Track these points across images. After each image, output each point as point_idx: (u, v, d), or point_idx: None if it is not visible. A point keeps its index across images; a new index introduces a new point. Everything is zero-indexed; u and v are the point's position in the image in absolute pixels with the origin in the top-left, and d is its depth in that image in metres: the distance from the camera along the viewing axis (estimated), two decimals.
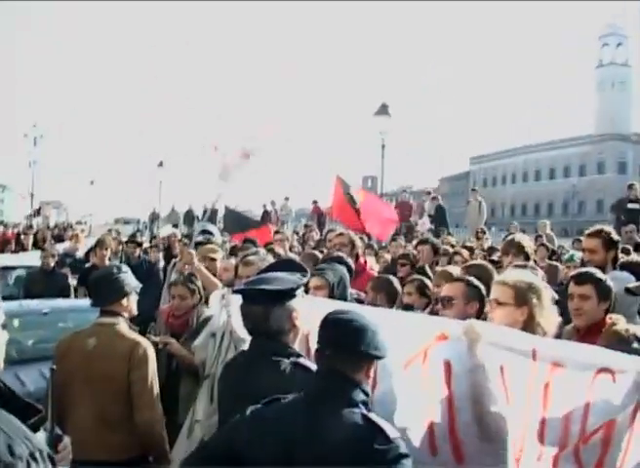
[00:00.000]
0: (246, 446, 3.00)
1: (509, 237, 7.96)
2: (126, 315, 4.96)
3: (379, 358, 3.08)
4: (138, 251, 13.72)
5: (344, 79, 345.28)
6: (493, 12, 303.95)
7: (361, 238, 13.43)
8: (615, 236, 6.64)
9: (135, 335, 4.88)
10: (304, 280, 3.88)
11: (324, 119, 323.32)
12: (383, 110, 25.09)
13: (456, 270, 5.98)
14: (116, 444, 4.64)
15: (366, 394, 3.04)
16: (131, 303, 5.00)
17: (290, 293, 3.66)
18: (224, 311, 4.89)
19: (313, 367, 3.32)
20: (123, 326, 4.87)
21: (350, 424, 2.89)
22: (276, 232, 11.42)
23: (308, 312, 3.79)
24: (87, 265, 11.99)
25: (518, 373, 3.53)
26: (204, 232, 11.93)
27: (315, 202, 30.53)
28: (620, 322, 4.85)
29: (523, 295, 4.20)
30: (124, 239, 18.02)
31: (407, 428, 3.73)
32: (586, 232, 6.84)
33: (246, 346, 4.00)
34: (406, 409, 3.77)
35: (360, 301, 5.84)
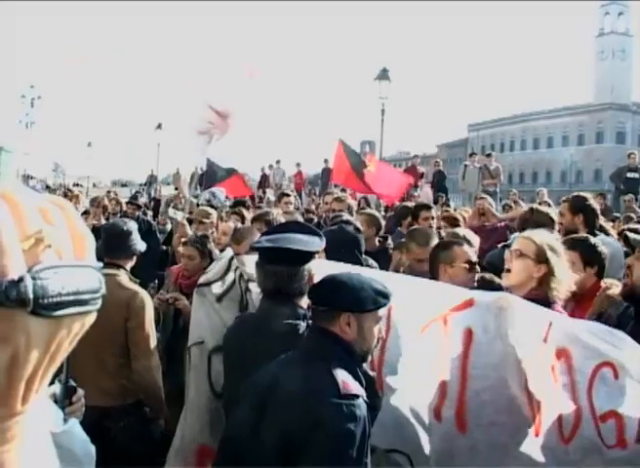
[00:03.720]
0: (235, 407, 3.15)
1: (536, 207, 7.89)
2: (128, 268, 5.15)
3: (356, 311, 3.07)
4: (137, 212, 13.77)
5: (345, 43, 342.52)
6: None
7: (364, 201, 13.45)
8: (584, 202, 6.76)
9: (133, 286, 5.02)
10: (323, 244, 3.83)
11: (324, 84, 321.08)
12: (384, 75, 24.97)
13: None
14: (113, 390, 4.81)
15: (348, 350, 3.06)
16: (131, 261, 5.22)
17: (312, 256, 3.66)
18: (235, 272, 4.84)
19: None
20: (124, 277, 5.03)
21: (310, 376, 2.92)
22: (284, 194, 11.41)
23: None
24: None
25: (530, 351, 3.58)
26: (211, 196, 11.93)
27: (298, 165, 30.41)
28: (613, 287, 4.93)
29: (544, 253, 4.22)
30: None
31: (413, 392, 3.76)
32: (563, 199, 7.19)
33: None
34: (416, 373, 3.76)
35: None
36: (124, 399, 4.86)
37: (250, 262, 4.54)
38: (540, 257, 4.22)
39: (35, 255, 0.76)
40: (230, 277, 4.67)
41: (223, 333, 4.34)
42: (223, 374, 4.03)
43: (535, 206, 7.57)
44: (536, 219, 6.60)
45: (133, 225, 5.33)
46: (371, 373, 3.39)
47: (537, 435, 3.56)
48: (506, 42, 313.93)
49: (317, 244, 3.73)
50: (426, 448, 3.71)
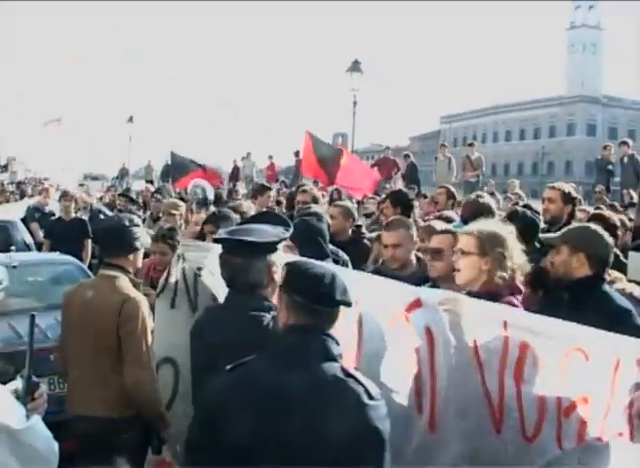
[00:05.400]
0: (225, 419, 2.81)
1: (472, 196, 8.00)
2: (130, 269, 4.89)
3: (348, 305, 2.96)
4: (129, 205, 13.84)
5: (317, 34, 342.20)
6: None
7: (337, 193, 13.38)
8: (573, 193, 7.04)
9: (129, 290, 4.74)
10: (287, 234, 3.80)
11: (296, 76, 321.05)
12: (355, 67, 24.97)
13: (439, 224, 5.98)
14: (110, 400, 4.55)
15: (338, 344, 2.91)
16: (136, 259, 4.94)
17: (271, 247, 3.60)
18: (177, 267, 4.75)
19: None
20: (123, 280, 4.77)
21: (336, 381, 2.76)
22: (267, 188, 11.32)
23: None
24: (52, 218, 11.89)
25: (491, 347, 3.51)
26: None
27: (270, 157, 30.06)
28: (617, 281, 4.94)
29: (486, 245, 4.19)
30: (97, 194, 18.06)
31: (393, 386, 3.68)
32: (548, 185, 7.32)
33: (220, 300, 3.98)
34: (393, 367, 3.70)
35: (336, 261, 5.75)
36: (124, 410, 4.58)
37: (199, 249, 4.53)
38: (483, 250, 4.20)
39: None
40: (172, 279, 4.62)
41: (170, 343, 4.31)
42: (191, 370, 3.97)
43: (477, 195, 7.68)
44: (477, 210, 6.73)
45: (132, 219, 5.04)
46: None
47: (498, 432, 3.51)
48: (479, 35, 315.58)
49: (276, 234, 3.68)
50: (405, 443, 3.64)
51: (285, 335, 2.95)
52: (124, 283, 4.76)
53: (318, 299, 2.87)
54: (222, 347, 3.26)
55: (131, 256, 4.86)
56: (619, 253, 6.82)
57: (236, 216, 5.99)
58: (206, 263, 4.40)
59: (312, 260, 3.30)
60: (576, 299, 4.35)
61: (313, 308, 2.86)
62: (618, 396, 3.33)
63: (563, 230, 4.87)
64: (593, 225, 4.82)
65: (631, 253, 7.41)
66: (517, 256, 4.26)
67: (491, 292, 4.01)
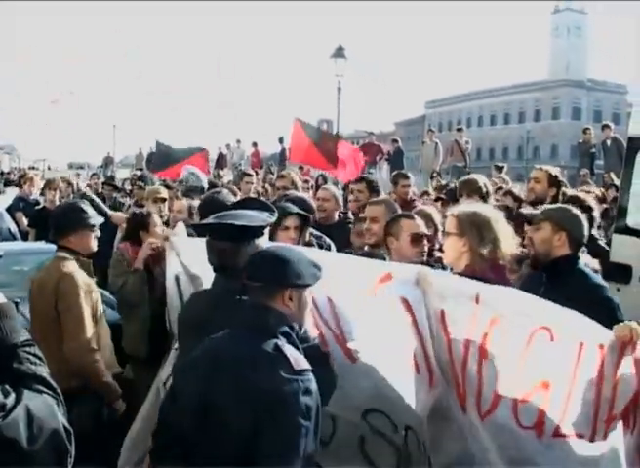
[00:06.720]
0: (182, 384, 3.14)
1: (465, 177, 8.06)
2: (79, 249, 5.09)
3: (300, 286, 3.12)
4: (114, 193, 13.86)
5: (301, 20, 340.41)
6: None
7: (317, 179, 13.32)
8: (560, 177, 7.18)
9: (67, 268, 4.96)
10: (273, 219, 3.86)
11: (280, 63, 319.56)
12: (339, 52, 24.83)
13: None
14: (55, 373, 4.65)
15: (289, 325, 3.09)
16: (85, 239, 5.12)
17: (258, 231, 3.66)
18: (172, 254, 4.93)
19: None
20: (69, 260, 5.00)
21: (261, 354, 2.93)
22: (246, 174, 11.32)
23: None
24: (37, 207, 11.84)
25: (460, 320, 3.57)
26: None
27: (255, 144, 29.67)
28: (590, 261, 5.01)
29: (463, 226, 4.28)
30: (82, 183, 17.99)
31: (383, 354, 3.78)
32: (536, 166, 7.53)
33: (207, 285, 4.01)
34: (379, 337, 3.78)
35: (320, 246, 5.79)
36: (68, 382, 4.59)
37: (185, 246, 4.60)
38: (461, 231, 4.29)
39: None
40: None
41: None
42: (179, 353, 4.03)
43: (468, 177, 7.74)
44: (466, 189, 6.93)
45: (76, 202, 5.34)
46: (323, 350, 3.41)
47: (464, 411, 3.59)
48: (464, 20, 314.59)
49: (262, 219, 3.73)
50: (404, 404, 3.76)
51: (242, 312, 3.20)
52: (66, 262, 5.00)
53: (258, 278, 3.12)
54: (209, 331, 3.30)
55: (77, 237, 5.08)
56: (596, 234, 6.92)
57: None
58: (185, 261, 4.49)
59: (283, 245, 3.53)
60: (555, 277, 4.46)
61: (258, 287, 3.11)
62: (579, 382, 3.37)
63: (546, 207, 4.93)
64: (574, 208, 4.88)
65: (615, 236, 7.49)
66: (504, 239, 4.31)
67: (474, 275, 4.03)
